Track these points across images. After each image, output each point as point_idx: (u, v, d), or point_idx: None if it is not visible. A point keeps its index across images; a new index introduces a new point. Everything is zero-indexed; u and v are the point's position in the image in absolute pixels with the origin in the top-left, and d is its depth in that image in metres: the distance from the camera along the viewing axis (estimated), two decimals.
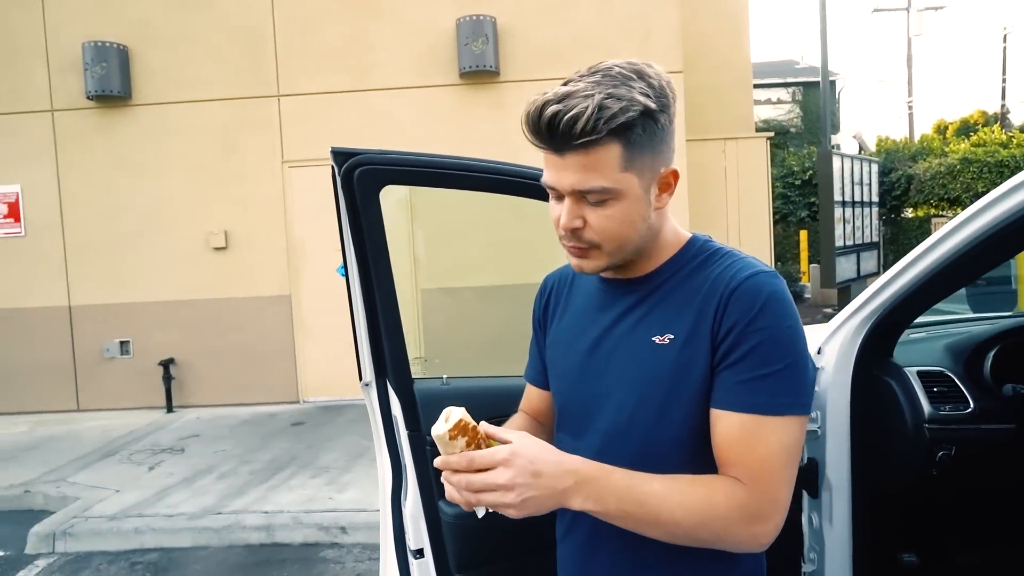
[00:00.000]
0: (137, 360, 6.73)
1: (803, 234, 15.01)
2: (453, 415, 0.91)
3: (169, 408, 6.66)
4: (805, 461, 1.91)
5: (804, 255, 14.79)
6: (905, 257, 1.58)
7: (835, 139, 18.73)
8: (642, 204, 0.98)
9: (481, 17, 6.34)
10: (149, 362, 6.66)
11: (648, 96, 0.92)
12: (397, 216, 6.56)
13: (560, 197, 0.99)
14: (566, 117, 0.89)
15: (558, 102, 0.90)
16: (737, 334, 0.95)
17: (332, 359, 6.69)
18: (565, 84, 0.93)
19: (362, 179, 1.32)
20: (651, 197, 0.99)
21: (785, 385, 0.94)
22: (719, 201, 7.81)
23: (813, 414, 1.89)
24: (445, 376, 1.59)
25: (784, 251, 15.93)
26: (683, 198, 6.56)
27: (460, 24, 6.37)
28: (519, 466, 0.88)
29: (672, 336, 1.00)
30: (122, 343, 6.72)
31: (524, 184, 1.39)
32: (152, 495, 4.50)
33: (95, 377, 6.79)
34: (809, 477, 1.88)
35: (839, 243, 9.38)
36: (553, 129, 0.91)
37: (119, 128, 6.65)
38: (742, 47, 9.71)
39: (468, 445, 0.91)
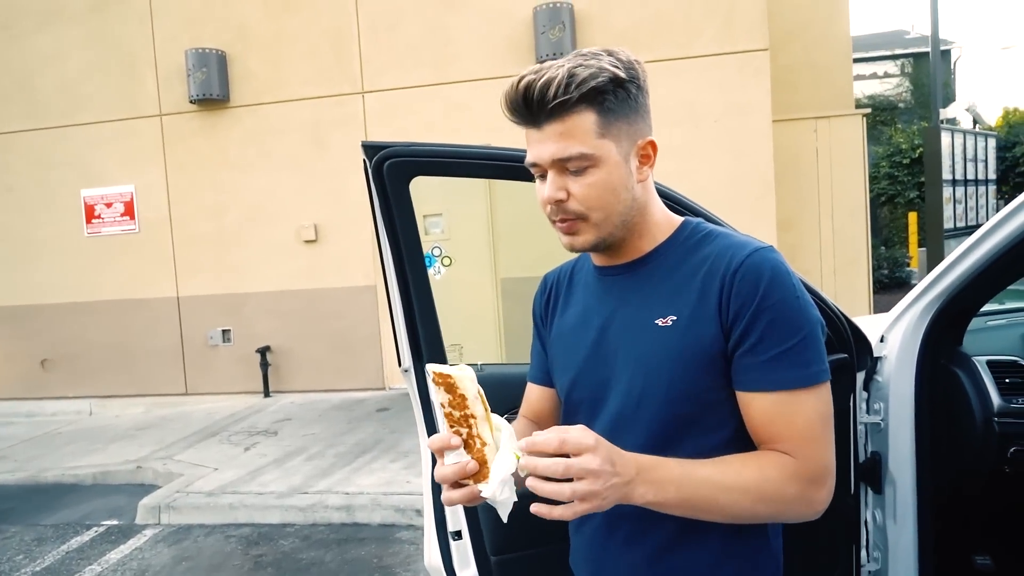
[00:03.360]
0: (237, 347, 7.17)
1: (912, 216, 14.04)
2: (457, 370, 0.89)
3: (266, 393, 7.07)
4: (868, 455, 1.82)
5: (913, 239, 13.84)
6: (971, 236, 1.47)
7: (949, 112, 17.36)
8: (622, 171, 1.01)
9: (558, 4, 6.30)
10: (248, 349, 7.08)
11: (617, 67, 0.97)
12: (477, 207, 6.67)
13: (543, 175, 1.02)
14: (539, 83, 0.95)
15: (533, 75, 0.96)
16: (750, 316, 0.96)
17: None
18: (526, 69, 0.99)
19: (392, 171, 1.36)
20: (631, 167, 1.02)
21: (807, 356, 0.97)
22: (809, 184, 7.42)
23: (876, 405, 1.79)
24: (480, 363, 1.62)
25: (892, 235, 14.98)
26: (768, 183, 6.29)
27: (537, 12, 6.36)
28: (604, 453, 0.85)
29: (675, 317, 1.01)
30: (224, 331, 7.19)
31: None
32: (246, 474, 4.81)
33: (201, 363, 7.30)
34: (871, 472, 1.79)
35: (949, 225, 8.74)
36: (529, 99, 0.96)
37: (219, 129, 7.09)
38: (841, 18, 9.14)
39: (445, 405, 0.89)
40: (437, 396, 0.89)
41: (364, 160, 1.39)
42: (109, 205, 7.29)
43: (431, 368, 0.88)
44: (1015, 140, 13.97)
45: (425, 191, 6.03)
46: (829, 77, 8.86)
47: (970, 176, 9.37)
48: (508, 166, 1.38)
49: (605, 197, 1.00)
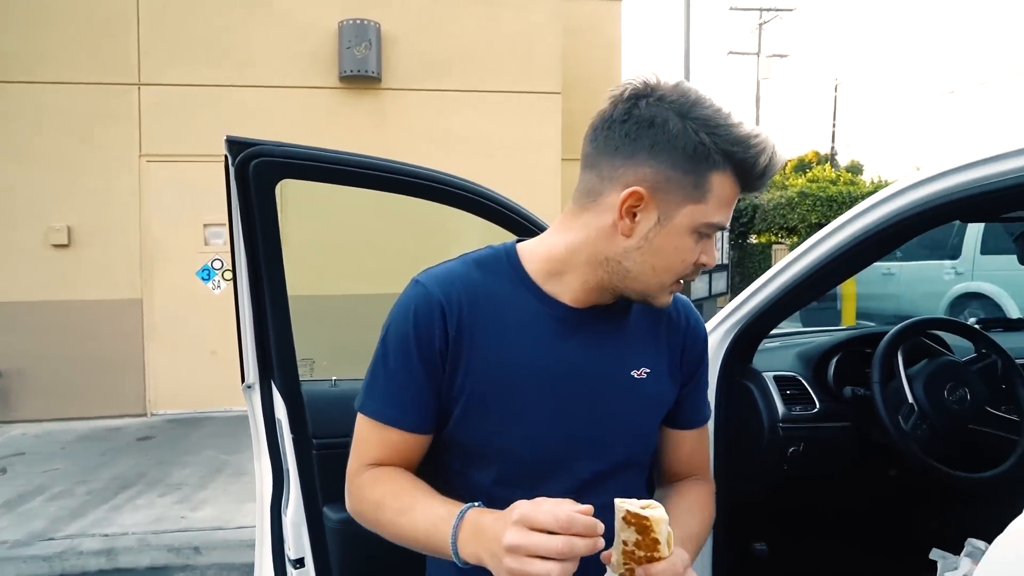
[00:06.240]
0: None
1: None
2: (653, 512, 0.81)
3: None
4: None
5: None
6: (764, 275, 1.74)
7: None
8: None
9: (365, 22, 6.25)
10: None
11: None
12: None
13: (708, 236, 0.98)
14: (782, 158, 0.96)
15: (773, 147, 0.93)
16: (694, 366, 1.13)
17: (187, 368, 6.26)
18: (741, 123, 0.92)
19: (258, 171, 1.27)
20: None
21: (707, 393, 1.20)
22: None
23: None
24: (335, 378, 1.55)
25: None
26: (556, 216, 6.77)
27: (343, 27, 6.24)
28: None
29: (648, 369, 1.05)
30: None
31: (428, 186, 1.40)
32: None
33: None
34: None
35: None
36: (774, 171, 0.95)
37: None
38: (615, 76, 10.21)
39: (629, 544, 0.83)
40: (624, 533, 0.83)
41: (226, 156, 1.28)
42: None
43: (623, 505, 0.81)
44: (739, 196, 16.57)
45: (208, 198, 5.53)
46: None
47: None
48: (393, 179, 1.35)
49: None
